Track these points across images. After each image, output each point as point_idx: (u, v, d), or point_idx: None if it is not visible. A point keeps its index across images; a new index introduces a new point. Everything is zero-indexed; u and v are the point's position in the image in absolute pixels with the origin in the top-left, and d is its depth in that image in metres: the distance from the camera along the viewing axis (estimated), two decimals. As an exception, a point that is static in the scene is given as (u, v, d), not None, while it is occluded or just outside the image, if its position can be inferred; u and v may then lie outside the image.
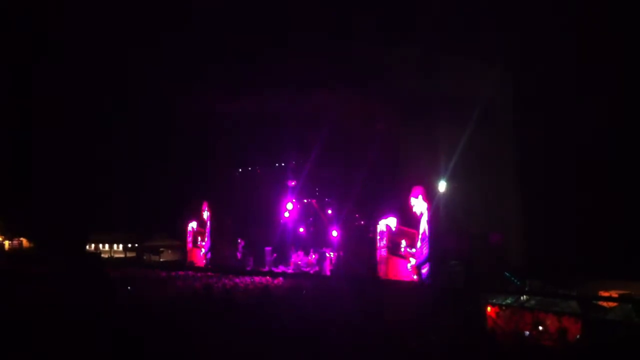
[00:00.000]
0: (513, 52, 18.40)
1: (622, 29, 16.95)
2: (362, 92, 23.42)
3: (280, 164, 31.42)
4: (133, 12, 23.00)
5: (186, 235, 33.98)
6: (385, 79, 21.56)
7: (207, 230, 31.93)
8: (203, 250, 32.18)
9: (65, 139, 33.60)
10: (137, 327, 11.56)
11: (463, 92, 20.05)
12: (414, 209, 20.57)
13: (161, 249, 38.98)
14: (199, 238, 32.75)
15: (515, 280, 17.21)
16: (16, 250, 43.80)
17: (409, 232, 21.15)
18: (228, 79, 24.58)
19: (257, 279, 22.82)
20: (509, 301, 14.70)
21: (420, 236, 20.21)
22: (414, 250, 20.59)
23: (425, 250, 19.98)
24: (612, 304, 13.72)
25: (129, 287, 20.15)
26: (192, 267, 31.13)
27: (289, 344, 10.98)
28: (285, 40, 21.73)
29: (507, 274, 17.64)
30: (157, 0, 23.47)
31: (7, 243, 46.07)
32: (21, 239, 45.73)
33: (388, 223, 22.13)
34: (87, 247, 42.62)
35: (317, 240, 28.63)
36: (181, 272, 25.22)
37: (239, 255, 30.44)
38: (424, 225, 20.04)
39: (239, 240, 30.76)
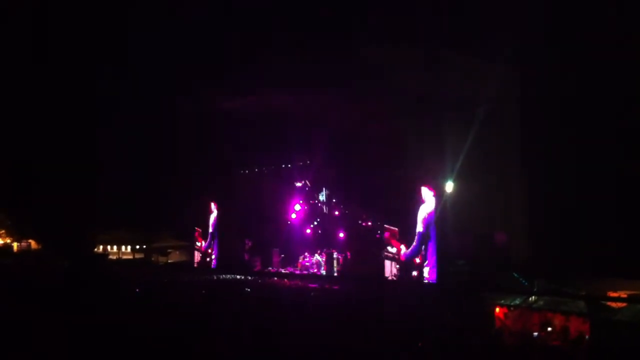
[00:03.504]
0: (520, 50, 18.27)
1: (631, 26, 16.81)
2: (369, 93, 23.36)
3: (287, 165, 31.40)
4: (135, 8, 23.07)
5: (193, 236, 33.99)
6: (390, 79, 21.51)
7: (214, 231, 31.93)
8: (210, 250, 32.21)
9: (72, 140, 33.72)
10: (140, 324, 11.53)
11: (468, 91, 19.97)
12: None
13: (169, 250, 39.08)
14: (206, 239, 32.75)
15: (523, 281, 17.11)
16: (25, 252, 44.05)
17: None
18: (233, 78, 24.61)
19: (266, 279, 22.87)
20: (517, 302, 14.61)
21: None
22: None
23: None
24: (621, 305, 13.61)
25: (137, 290, 20.14)
26: (200, 268, 31.20)
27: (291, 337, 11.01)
28: (289, 39, 21.74)
29: (515, 275, 17.54)
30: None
31: (15, 245, 46.34)
32: (30, 240, 46.00)
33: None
34: (96, 248, 42.81)
35: (324, 241, 28.60)
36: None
37: (246, 256, 30.47)
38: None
39: (246, 241, 30.79)
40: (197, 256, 33.49)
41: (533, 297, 14.91)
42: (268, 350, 10.96)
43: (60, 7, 24.16)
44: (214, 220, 31.99)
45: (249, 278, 23.62)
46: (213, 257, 31.54)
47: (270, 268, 28.59)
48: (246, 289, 20.39)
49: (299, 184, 30.50)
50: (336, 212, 28.97)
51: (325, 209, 29.93)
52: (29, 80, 29.02)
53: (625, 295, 14.44)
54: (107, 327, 11.52)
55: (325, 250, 27.15)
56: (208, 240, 32.55)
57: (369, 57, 21.12)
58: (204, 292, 20.19)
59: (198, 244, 33.52)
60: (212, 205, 32.19)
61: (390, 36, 19.98)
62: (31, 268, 24.36)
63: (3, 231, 47.36)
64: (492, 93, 19.08)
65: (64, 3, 24.32)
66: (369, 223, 25.25)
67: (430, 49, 19.62)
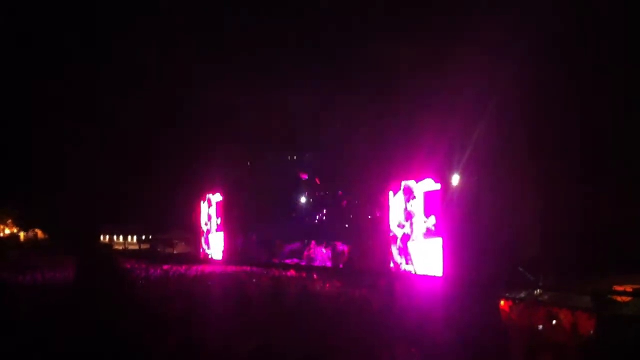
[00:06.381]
0: (530, 45, 18.17)
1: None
2: (374, 86, 23.32)
3: (293, 157, 31.41)
4: (146, 6, 23.16)
5: (199, 227, 34.10)
6: (397, 73, 21.45)
7: (220, 223, 32.03)
8: (216, 242, 32.31)
9: (78, 132, 33.86)
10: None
11: (477, 85, 19.87)
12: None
13: (175, 241, 39.28)
14: (213, 230, 32.85)
15: (529, 275, 17.08)
16: (31, 241, 44.31)
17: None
18: (240, 71, 24.62)
19: (271, 271, 22.96)
20: (522, 295, 14.61)
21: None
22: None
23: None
24: (626, 299, 13.58)
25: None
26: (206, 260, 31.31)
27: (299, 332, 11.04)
28: (296, 36, 21.73)
29: (521, 269, 17.49)
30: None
31: (22, 234, 46.65)
32: (36, 230, 46.29)
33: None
34: (102, 239, 42.99)
35: (330, 233, 28.61)
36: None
37: (252, 248, 30.56)
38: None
39: (252, 233, 30.87)
40: (202, 247, 33.67)
41: (538, 290, 14.91)
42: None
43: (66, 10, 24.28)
44: (220, 212, 32.09)
45: (255, 269, 23.75)
46: (221, 248, 31.64)
47: (275, 259, 28.65)
48: (252, 280, 20.54)
49: (305, 176, 30.53)
50: (342, 204, 28.97)
51: (331, 202, 29.96)
52: (40, 76, 29.20)
53: (630, 290, 14.39)
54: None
55: (330, 242, 27.18)
56: (214, 231, 32.68)
57: (376, 53, 21.09)
58: (209, 283, 20.34)
59: (203, 235, 33.64)
60: (219, 198, 32.29)
61: (394, 34, 19.94)
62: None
63: (10, 220, 47.66)
64: (501, 87, 18.99)
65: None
66: (376, 215, 25.21)
67: (441, 45, 19.56)
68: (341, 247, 26.32)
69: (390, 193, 22.15)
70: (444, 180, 19.80)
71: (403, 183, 21.54)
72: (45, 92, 30.38)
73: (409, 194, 21.27)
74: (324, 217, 30.12)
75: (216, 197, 32.45)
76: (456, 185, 19.89)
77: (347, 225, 27.55)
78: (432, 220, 20.21)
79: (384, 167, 23.04)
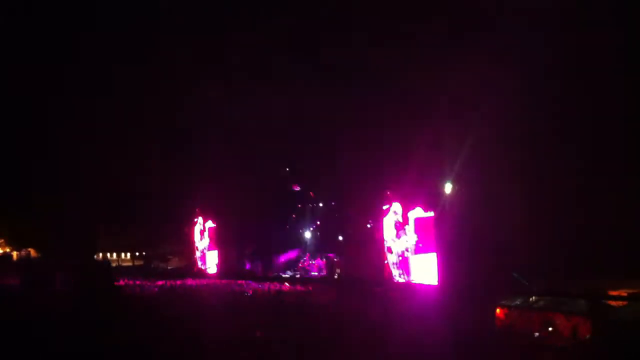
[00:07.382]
0: (520, 49, 18.26)
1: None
2: (366, 95, 23.38)
3: (285, 169, 31.41)
4: (146, 15, 23.24)
5: (193, 242, 33.96)
6: (388, 79, 21.49)
7: (214, 237, 31.91)
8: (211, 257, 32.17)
9: (72, 147, 33.76)
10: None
11: (467, 90, 19.94)
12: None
13: (169, 257, 39.06)
14: (206, 245, 32.73)
15: (524, 281, 17.04)
16: (24, 260, 43.87)
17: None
18: (232, 83, 24.61)
19: (266, 284, 22.95)
20: (517, 302, 14.58)
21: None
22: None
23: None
24: (621, 303, 13.57)
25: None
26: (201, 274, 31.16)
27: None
28: (285, 42, 21.75)
29: (515, 275, 17.45)
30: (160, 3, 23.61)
31: (15, 253, 46.19)
32: (29, 249, 45.86)
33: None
34: (96, 255, 42.65)
35: (324, 245, 28.59)
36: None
37: (246, 261, 30.48)
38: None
39: (246, 247, 30.79)
40: (197, 262, 33.51)
41: (533, 297, 14.86)
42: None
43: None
44: (214, 226, 31.99)
45: (250, 282, 23.74)
46: (216, 263, 31.51)
47: (269, 273, 28.58)
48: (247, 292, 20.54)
49: (298, 188, 30.54)
50: (335, 215, 28.97)
51: (324, 214, 29.95)
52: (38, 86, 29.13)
53: (625, 294, 14.37)
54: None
55: (324, 254, 27.15)
56: (208, 246, 32.56)
57: (366, 59, 21.11)
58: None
59: (197, 250, 33.49)
60: (212, 212, 32.19)
61: (386, 39, 19.97)
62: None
63: (2, 240, 47.29)
64: (492, 92, 19.05)
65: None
66: (368, 225, 25.18)
67: (430, 50, 19.63)
68: (336, 258, 26.26)
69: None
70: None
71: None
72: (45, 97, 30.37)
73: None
74: (318, 229, 30.11)
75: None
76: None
77: (341, 238, 27.52)
78: (418, 237, 20.32)
79: (376, 185, 23.09)
